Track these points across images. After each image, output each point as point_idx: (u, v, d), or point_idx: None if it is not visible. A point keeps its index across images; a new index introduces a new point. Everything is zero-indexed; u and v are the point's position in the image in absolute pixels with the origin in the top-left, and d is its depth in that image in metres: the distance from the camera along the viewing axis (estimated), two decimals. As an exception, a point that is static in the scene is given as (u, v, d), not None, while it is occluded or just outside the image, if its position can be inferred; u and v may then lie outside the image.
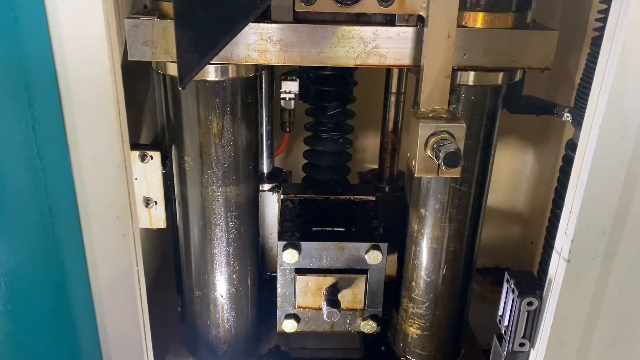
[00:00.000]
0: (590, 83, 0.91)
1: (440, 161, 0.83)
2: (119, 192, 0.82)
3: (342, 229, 1.15)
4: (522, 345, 0.95)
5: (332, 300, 1.09)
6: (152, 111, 1.28)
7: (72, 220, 0.81)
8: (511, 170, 1.67)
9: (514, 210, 1.75)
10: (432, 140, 0.85)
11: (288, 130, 1.33)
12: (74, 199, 0.81)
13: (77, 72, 0.76)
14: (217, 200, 1.06)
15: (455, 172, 0.85)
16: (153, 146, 1.15)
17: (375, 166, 1.46)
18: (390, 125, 1.32)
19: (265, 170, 1.33)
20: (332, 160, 1.30)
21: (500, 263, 1.81)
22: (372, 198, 1.27)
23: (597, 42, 0.95)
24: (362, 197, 1.27)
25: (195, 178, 1.05)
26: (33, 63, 0.74)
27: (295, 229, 1.13)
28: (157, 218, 1.17)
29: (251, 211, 1.14)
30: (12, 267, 0.80)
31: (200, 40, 0.75)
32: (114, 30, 0.78)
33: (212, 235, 1.09)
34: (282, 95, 1.22)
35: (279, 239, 1.10)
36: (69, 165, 0.79)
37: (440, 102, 0.90)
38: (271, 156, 1.35)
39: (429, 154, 0.86)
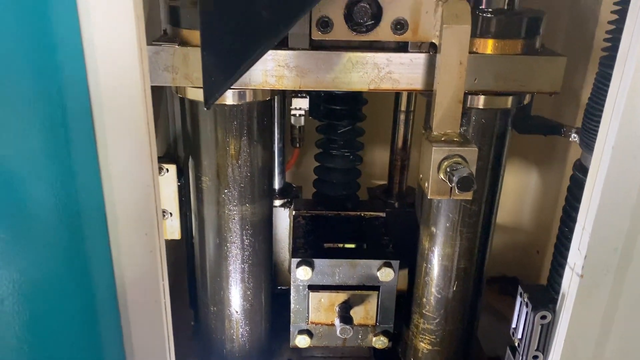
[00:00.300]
0: (598, 104, 0.94)
1: (453, 185, 0.85)
2: (147, 210, 0.84)
3: (353, 246, 1.18)
4: (535, 357, 0.97)
5: (345, 316, 1.12)
6: (164, 123, 1.31)
7: (101, 237, 0.84)
8: (517, 183, 1.70)
9: (520, 221, 1.77)
10: (445, 164, 0.88)
11: (298, 145, 1.35)
12: (104, 217, 0.83)
13: (110, 96, 0.79)
14: (233, 219, 1.09)
15: (468, 195, 0.88)
16: (168, 159, 1.17)
17: (383, 181, 1.49)
18: (400, 143, 1.35)
19: (276, 186, 1.36)
20: (342, 176, 1.33)
21: (507, 272, 1.82)
22: (382, 214, 1.29)
23: (605, 63, 0.97)
24: (372, 213, 1.29)
25: (212, 197, 1.08)
26: (69, 87, 0.77)
27: (308, 246, 1.16)
28: (171, 230, 1.19)
29: (265, 228, 1.16)
30: (42, 284, 0.83)
31: (225, 63, 0.78)
32: (145, 56, 0.80)
33: (227, 252, 1.12)
34: (293, 112, 1.24)
35: (293, 256, 1.12)
36: (100, 185, 0.82)
37: (452, 126, 0.92)
38: (283, 172, 1.38)
39: (442, 177, 0.89)
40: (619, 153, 0.78)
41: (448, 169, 0.87)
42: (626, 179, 0.79)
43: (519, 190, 1.72)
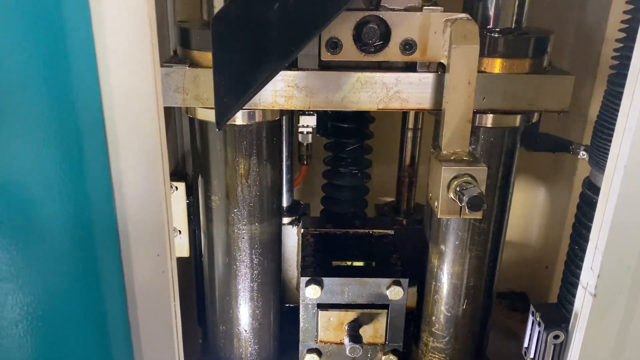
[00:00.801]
0: (608, 122, 0.95)
1: (463, 204, 0.85)
2: (160, 231, 0.85)
3: (362, 264, 1.18)
4: (549, 377, 0.96)
5: (355, 335, 1.11)
6: (172, 139, 1.32)
7: (114, 258, 0.84)
8: (525, 198, 1.69)
9: (528, 237, 1.76)
10: (455, 183, 0.88)
11: (305, 163, 1.36)
12: (116, 238, 0.84)
13: (124, 117, 0.80)
14: (243, 238, 1.09)
15: (478, 215, 0.87)
16: (178, 177, 1.18)
17: (391, 197, 1.48)
18: (408, 160, 1.35)
19: (285, 204, 1.36)
20: (350, 194, 1.33)
21: (515, 287, 1.81)
22: (391, 232, 1.29)
23: (614, 81, 0.97)
24: (380, 231, 1.29)
25: (221, 216, 1.08)
26: (83, 109, 0.79)
27: (317, 265, 1.16)
28: (180, 247, 1.20)
29: (274, 247, 1.17)
30: (54, 306, 0.84)
31: (237, 85, 0.79)
32: (159, 78, 0.81)
33: (237, 271, 1.12)
34: (300, 130, 1.25)
35: (302, 274, 1.12)
36: (113, 205, 0.83)
37: (461, 145, 0.93)
38: (291, 190, 1.38)
39: (452, 197, 0.89)
40: (631, 172, 0.78)
41: (458, 188, 0.87)
42: (639, 198, 0.79)
43: (527, 205, 1.71)
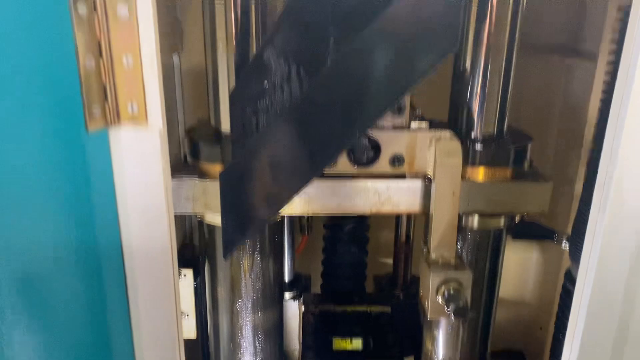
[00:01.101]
0: (582, 222, 1.02)
1: (449, 311, 0.92)
2: (169, 315, 0.93)
3: (360, 346, 1.24)
4: None
5: (353, 419, 1.17)
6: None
7: (127, 341, 0.92)
8: (519, 259, 1.75)
9: (523, 296, 1.81)
10: (443, 288, 0.96)
11: (306, 233, 1.43)
12: (128, 323, 0.92)
13: (139, 225, 0.89)
14: (246, 327, 1.16)
15: (465, 319, 0.94)
16: (186, 263, 1.25)
17: (388, 258, 1.55)
18: (403, 238, 1.43)
19: (286, 279, 1.43)
20: (348, 271, 1.40)
21: (512, 346, 1.86)
22: (388, 309, 1.35)
23: (587, 188, 1.04)
24: (377, 308, 1.36)
25: (226, 306, 1.16)
26: (101, 221, 0.88)
27: (318, 347, 1.22)
28: (188, 329, 1.26)
29: (276, 332, 1.23)
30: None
31: (242, 226, 0.87)
32: (169, 190, 0.90)
33: (241, 357, 1.19)
34: (302, 205, 1.32)
35: (303, 359, 1.19)
36: (126, 292, 0.91)
37: (448, 248, 1.00)
38: (292, 265, 1.45)
39: (440, 301, 0.96)
40: (599, 297, 0.85)
41: (445, 294, 0.95)
42: (608, 315, 0.86)
43: (521, 266, 1.77)
